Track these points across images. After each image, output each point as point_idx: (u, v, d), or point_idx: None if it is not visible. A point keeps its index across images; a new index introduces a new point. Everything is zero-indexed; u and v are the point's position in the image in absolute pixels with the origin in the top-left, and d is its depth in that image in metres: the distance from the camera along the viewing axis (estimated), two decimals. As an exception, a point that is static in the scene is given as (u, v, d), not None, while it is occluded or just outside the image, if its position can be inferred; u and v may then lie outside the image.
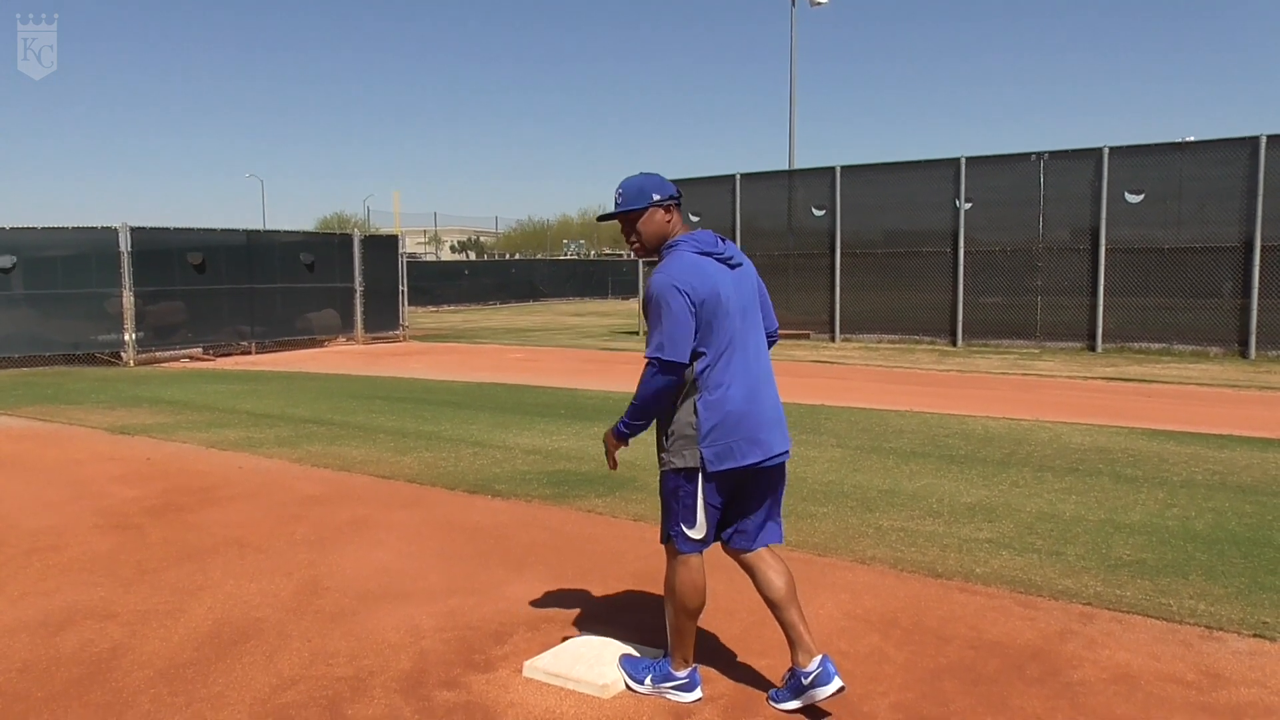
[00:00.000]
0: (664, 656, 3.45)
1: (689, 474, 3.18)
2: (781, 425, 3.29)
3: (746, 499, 3.28)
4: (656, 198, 3.25)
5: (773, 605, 3.28)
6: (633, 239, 3.32)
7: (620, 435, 3.31)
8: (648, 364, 3.14)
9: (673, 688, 3.36)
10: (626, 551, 5.08)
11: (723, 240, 3.31)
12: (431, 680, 3.54)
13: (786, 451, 3.29)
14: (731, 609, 4.17)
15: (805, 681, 3.17)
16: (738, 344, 3.19)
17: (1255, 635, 3.84)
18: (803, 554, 4.93)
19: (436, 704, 3.35)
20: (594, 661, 3.54)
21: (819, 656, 3.18)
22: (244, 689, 3.48)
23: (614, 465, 3.43)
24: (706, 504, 3.20)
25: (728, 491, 3.24)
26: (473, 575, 4.73)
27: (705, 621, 4.05)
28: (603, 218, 3.46)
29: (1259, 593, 4.30)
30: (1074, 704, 3.27)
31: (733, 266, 3.26)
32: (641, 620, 4.08)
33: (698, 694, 3.35)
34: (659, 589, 4.44)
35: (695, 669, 3.40)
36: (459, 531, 5.53)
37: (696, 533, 3.22)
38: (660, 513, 3.36)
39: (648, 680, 3.40)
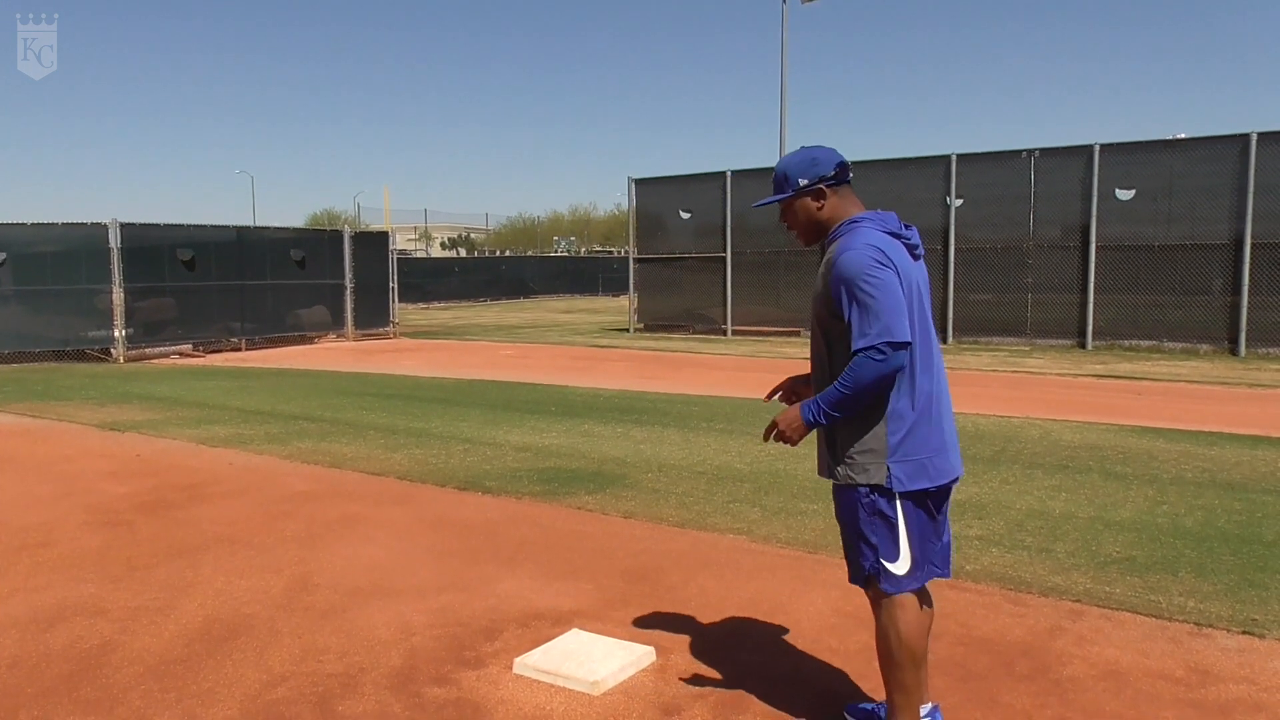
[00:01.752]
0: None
1: (880, 492, 2.72)
2: (957, 444, 2.86)
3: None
4: (803, 183, 2.83)
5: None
6: (791, 230, 2.95)
7: (813, 424, 2.74)
8: (867, 352, 2.60)
9: None
10: (617, 548, 5.08)
11: (907, 226, 2.87)
12: (422, 677, 3.53)
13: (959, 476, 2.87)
14: (721, 604, 4.18)
15: None
16: (927, 345, 2.75)
17: (1244, 632, 3.85)
18: (793, 551, 4.94)
19: (427, 700, 3.34)
20: (584, 658, 3.54)
21: (931, 704, 2.95)
22: (234, 685, 3.48)
23: (777, 441, 2.84)
24: (909, 529, 2.74)
25: (925, 515, 2.78)
26: (463, 572, 4.73)
27: (694, 616, 4.06)
28: (758, 205, 3.06)
29: (1248, 589, 4.32)
30: (1063, 700, 3.28)
31: (916, 257, 2.83)
32: (631, 616, 4.07)
33: None
34: (648, 586, 4.45)
35: (936, 707, 2.97)
36: (449, 528, 5.52)
37: (901, 566, 2.75)
38: (843, 546, 2.90)
39: None
